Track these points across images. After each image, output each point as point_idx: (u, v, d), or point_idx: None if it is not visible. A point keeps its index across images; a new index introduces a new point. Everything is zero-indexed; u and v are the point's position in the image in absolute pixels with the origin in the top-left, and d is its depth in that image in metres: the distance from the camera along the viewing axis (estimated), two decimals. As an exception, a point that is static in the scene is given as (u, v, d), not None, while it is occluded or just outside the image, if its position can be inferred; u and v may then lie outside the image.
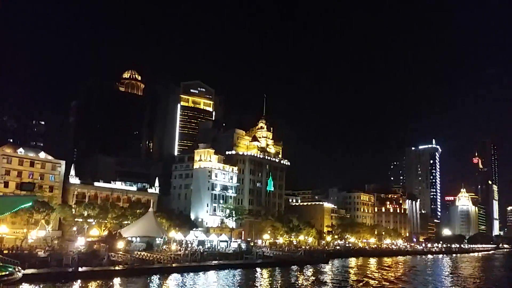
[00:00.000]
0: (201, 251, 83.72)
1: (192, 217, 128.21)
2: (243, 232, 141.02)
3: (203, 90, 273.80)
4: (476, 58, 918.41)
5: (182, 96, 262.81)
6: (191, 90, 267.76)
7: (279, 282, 69.83)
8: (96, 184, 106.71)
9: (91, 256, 64.74)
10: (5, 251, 62.22)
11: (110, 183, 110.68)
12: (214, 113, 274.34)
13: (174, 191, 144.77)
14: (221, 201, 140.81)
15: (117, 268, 64.11)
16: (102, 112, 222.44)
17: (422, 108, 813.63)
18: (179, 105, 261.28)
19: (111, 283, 56.44)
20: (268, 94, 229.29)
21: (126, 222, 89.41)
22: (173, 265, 72.12)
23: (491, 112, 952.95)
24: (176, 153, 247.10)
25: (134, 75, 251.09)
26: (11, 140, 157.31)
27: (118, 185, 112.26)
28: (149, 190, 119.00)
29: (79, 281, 55.07)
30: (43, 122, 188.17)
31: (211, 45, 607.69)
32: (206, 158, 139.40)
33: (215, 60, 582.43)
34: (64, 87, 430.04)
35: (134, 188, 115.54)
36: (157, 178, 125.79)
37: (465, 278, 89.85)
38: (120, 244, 71.43)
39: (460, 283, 78.93)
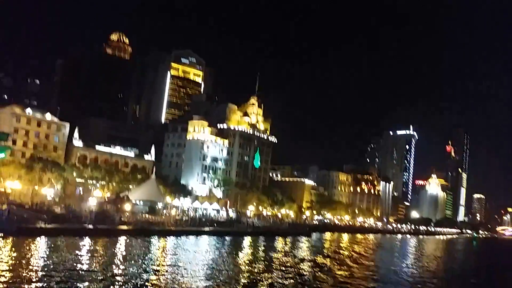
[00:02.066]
0: (199, 217, 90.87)
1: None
2: (228, 202, 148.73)
3: (194, 60, 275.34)
4: (454, 51, 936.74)
5: (172, 64, 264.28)
6: (182, 60, 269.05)
7: (267, 248, 76.48)
8: (97, 147, 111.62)
9: (103, 216, 70.91)
10: (26, 206, 67.83)
11: (110, 147, 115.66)
12: (203, 85, 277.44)
13: (165, 158, 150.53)
14: (211, 172, 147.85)
15: (125, 227, 70.61)
16: (87, 72, 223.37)
17: (402, 96, 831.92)
18: (169, 73, 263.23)
19: (121, 240, 62.78)
20: (258, 71, 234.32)
21: (129, 186, 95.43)
22: (173, 228, 79.01)
23: (467, 104, 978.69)
24: (163, 120, 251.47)
25: (122, 38, 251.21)
26: (6, 97, 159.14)
27: (118, 150, 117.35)
28: (146, 157, 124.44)
29: (95, 237, 61.30)
30: (37, 81, 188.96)
31: (205, 17, 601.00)
32: (199, 130, 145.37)
33: (208, 33, 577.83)
34: (52, 47, 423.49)
35: (132, 154, 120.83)
36: (153, 145, 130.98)
37: (425, 257, 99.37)
38: (127, 206, 77.83)
39: (419, 261, 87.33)
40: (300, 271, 50.65)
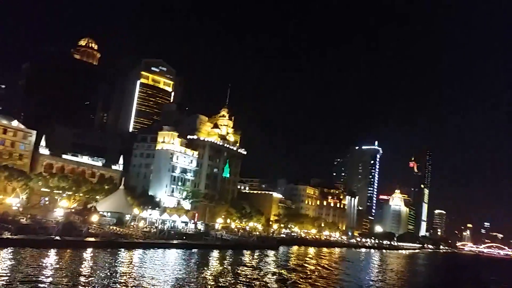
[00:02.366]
0: (168, 230, 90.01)
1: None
2: (196, 214, 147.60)
3: (164, 69, 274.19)
4: (418, 74, 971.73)
5: (142, 73, 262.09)
6: (152, 68, 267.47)
7: (235, 262, 76.46)
8: (64, 156, 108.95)
9: (70, 227, 69.38)
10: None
11: (77, 156, 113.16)
12: (173, 94, 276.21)
13: (133, 169, 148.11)
14: (180, 183, 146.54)
15: (93, 239, 69.33)
16: (54, 77, 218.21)
17: (368, 112, 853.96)
18: (138, 82, 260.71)
19: (88, 253, 61.63)
20: (230, 83, 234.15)
21: (97, 196, 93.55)
22: (142, 240, 78.02)
23: (430, 121, 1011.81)
24: (131, 129, 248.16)
25: (90, 44, 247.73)
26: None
27: (85, 159, 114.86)
28: (114, 167, 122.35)
29: (62, 248, 59.94)
30: (3, 86, 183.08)
31: (177, 27, 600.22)
32: (169, 141, 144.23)
33: (179, 42, 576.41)
34: (19, 50, 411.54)
35: (99, 163, 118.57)
36: (121, 155, 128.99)
37: (389, 271, 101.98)
38: (95, 218, 76.42)
39: (382, 275, 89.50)
40: (266, 285, 50.86)
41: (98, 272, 46.42)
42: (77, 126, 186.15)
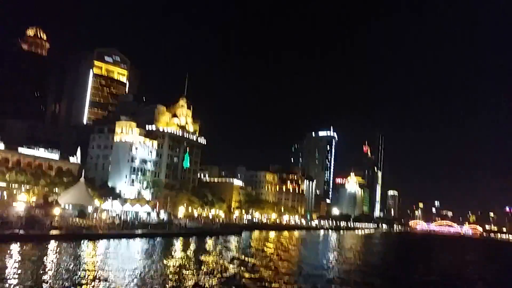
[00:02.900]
0: (131, 220, 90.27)
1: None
2: (158, 204, 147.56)
3: (118, 59, 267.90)
4: (372, 60, 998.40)
5: (95, 62, 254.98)
6: (105, 58, 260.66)
7: (198, 249, 77.93)
8: (20, 150, 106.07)
9: (32, 221, 68.57)
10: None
11: (34, 149, 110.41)
12: (128, 84, 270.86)
13: (91, 160, 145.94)
14: (139, 174, 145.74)
15: (56, 232, 68.92)
16: (0, 69, 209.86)
17: (324, 99, 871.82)
18: (91, 72, 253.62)
19: (52, 246, 61.35)
20: (187, 72, 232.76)
21: (56, 189, 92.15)
22: (105, 232, 78.07)
23: (382, 107, 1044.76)
24: (85, 121, 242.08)
25: (39, 33, 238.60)
26: None
27: (41, 152, 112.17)
28: (71, 159, 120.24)
29: (25, 242, 59.37)
30: None
31: (130, 16, 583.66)
32: (128, 131, 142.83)
33: (134, 32, 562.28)
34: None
35: (56, 156, 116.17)
36: (78, 147, 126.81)
37: (346, 251, 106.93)
38: (57, 211, 75.71)
39: (340, 255, 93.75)
40: (227, 269, 52.49)
41: (63, 264, 46.74)
42: (29, 118, 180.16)
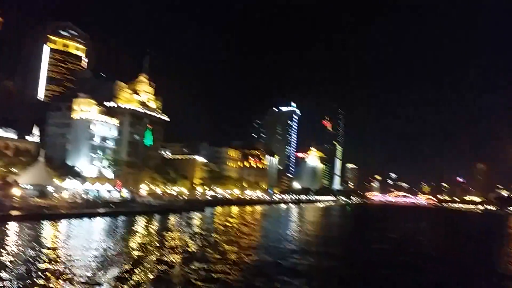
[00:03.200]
0: (94, 199, 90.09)
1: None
2: (119, 182, 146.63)
3: (75, 33, 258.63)
4: (328, 38, 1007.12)
5: (50, 37, 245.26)
6: (62, 32, 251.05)
7: (161, 226, 78.93)
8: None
9: (-10, 202, 67.61)
10: None
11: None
12: (86, 60, 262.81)
13: (49, 139, 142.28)
14: (100, 152, 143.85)
15: (17, 213, 68.36)
16: None
17: (286, 75, 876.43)
18: (46, 47, 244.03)
19: (13, 227, 60.98)
20: (148, 48, 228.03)
21: (13, 169, 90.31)
22: (68, 211, 77.83)
23: (340, 81, 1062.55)
24: (42, 97, 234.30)
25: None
26: None
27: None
28: (29, 138, 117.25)
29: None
30: None
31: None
32: (87, 109, 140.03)
33: (92, 5, 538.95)
34: None
35: (13, 135, 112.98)
36: (36, 126, 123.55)
37: (306, 223, 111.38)
38: (16, 191, 74.75)
39: (301, 227, 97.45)
40: (189, 245, 53.62)
41: (24, 245, 47.00)
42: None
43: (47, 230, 62.41)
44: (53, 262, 38.50)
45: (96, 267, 37.00)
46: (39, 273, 34.14)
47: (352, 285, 37.45)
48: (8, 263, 37.18)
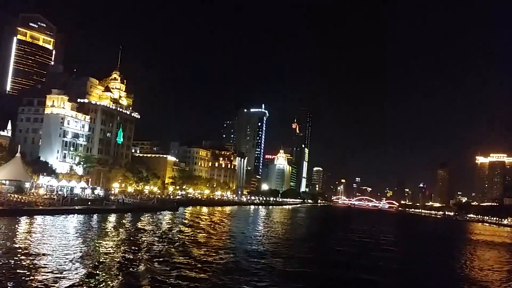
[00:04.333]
0: (70, 196, 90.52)
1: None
2: (90, 179, 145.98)
3: (44, 25, 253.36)
4: (294, 42, 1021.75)
5: (19, 29, 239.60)
6: (30, 24, 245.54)
7: (132, 224, 79.31)
8: None
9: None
10: None
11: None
12: (54, 52, 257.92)
13: (20, 134, 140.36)
14: (72, 149, 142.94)
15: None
16: None
17: (256, 77, 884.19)
18: (15, 38, 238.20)
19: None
20: (121, 44, 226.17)
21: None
22: (45, 208, 78.33)
23: (309, 86, 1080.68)
24: (8, 89, 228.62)
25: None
26: None
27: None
28: (1, 133, 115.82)
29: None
30: None
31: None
32: (59, 105, 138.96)
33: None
34: None
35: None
36: (10, 121, 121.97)
37: (274, 224, 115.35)
38: (-7, 187, 74.81)
39: (268, 227, 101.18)
40: (158, 245, 53.77)
41: (4, 240, 48.04)
42: None
43: (25, 225, 62.76)
44: (25, 258, 39.27)
45: (68, 262, 38.27)
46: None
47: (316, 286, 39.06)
48: None
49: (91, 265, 38.41)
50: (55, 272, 34.53)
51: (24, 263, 37.03)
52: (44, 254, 41.54)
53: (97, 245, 51.07)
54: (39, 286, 30.40)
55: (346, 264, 51.51)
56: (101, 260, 41.23)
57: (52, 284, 30.80)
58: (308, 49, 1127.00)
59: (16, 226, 61.13)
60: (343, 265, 50.88)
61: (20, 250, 42.85)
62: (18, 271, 34.19)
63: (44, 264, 37.20)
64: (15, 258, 38.65)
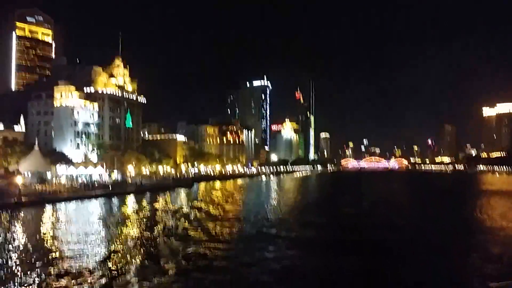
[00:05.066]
0: (91, 182, 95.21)
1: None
2: (104, 165, 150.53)
3: (41, 18, 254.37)
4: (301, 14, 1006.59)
5: (18, 24, 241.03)
6: (28, 18, 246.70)
7: (151, 203, 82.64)
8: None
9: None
10: None
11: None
12: (54, 44, 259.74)
13: (32, 128, 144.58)
14: (84, 137, 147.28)
15: (25, 200, 73.24)
16: None
17: (256, 50, 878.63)
18: (14, 34, 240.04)
19: (27, 213, 65.77)
20: (119, 29, 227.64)
21: (9, 159, 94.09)
22: (69, 195, 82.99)
23: (312, 54, 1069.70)
24: (13, 86, 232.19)
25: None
26: None
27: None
28: (16, 128, 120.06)
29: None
30: None
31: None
32: (67, 96, 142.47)
33: None
34: None
35: (1, 126, 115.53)
36: (22, 115, 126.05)
37: (285, 192, 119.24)
38: (19, 179, 79.27)
39: (281, 196, 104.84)
40: (176, 220, 56.75)
41: (50, 227, 52.48)
42: None
43: (52, 214, 66.88)
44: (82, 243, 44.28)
45: (93, 244, 41.12)
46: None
47: (328, 250, 39.81)
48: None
49: (113, 246, 40.92)
50: (81, 256, 36.11)
51: (53, 248, 39.79)
52: (69, 240, 43.60)
53: (120, 226, 53.53)
54: (67, 268, 32.04)
55: (357, 226, 52.26)
56: (122, 240, 43.45)
57: (77, 267, 32.14)
58: (306, 17, 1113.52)
59: (44, 214, 65.22)
60: (354, 227, 51.53)
61: (50, 237, 46.54)
62: (47, 256, 36.04)
63: (70, 249, 38.97)
64: (45, 245, 41.43)
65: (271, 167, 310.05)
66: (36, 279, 29.40)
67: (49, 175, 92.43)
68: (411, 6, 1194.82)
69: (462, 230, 50.79)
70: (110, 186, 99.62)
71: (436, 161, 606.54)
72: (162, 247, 39.89)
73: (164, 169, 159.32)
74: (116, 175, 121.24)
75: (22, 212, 65.27)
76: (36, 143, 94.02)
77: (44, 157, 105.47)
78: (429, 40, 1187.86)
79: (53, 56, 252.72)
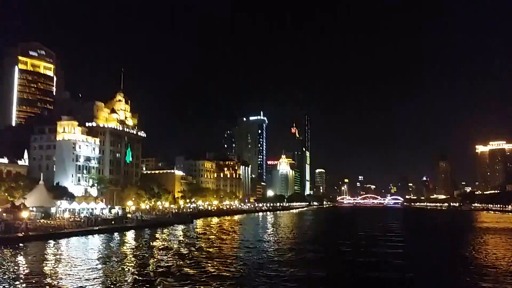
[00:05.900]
0: (94, 217, 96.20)
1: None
2: (104, 200, 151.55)
3: (43, 52, 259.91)
4: (294, 50, 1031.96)
5: (20, 58, 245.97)
6: (30, 52, 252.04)
7: (150, 239, 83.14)
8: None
9: (5, 225, 73.21)
10: None
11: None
12: (55, 78, 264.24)
13: (34, 162, 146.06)
14: (85, 172, 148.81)
15: (32, 233, 74.15)
16: None
17: (254, 86, 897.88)
18: (16, 68, 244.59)
19: (31, 247, 66.58)
20: (121, 66, 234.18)
21: (14, 193, 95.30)
22: (72, 230, 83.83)
23: (306, 88, 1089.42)
24: (14, 120, 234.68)
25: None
26: None
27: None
28: (19, 162, 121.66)
29: (4, 246, 64.30)
30: None
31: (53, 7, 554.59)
32: (70, 130, 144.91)
33: (57, 23, 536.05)
34: None
35: (5, 160, 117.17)
36: (25, 150, 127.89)
37: (282, 228, 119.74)
38: (25, 214, 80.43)
39: (276, 232, 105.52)
40: (174, 259, 56.12)
41: (52, 262, 53.47)
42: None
43: (62, 248, 67.59)
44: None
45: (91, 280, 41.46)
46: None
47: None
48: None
49: (109, 282, 41.11)
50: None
51: (53, 283, 40.28)
52: (68, 275, 44.36)
53: (118, 262, 53.67)
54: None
55: (355, 262, 53.23)
56: (119, 278, 43.66)
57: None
58: (301, 54, 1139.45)
59: (47, 249, 65.33)
60: (352, 263, 52.67)
61: (49, 272, 46.76)
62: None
63: (67, 284, 39.76)
64: (44, 281, 41.44)
65: (267, 203, 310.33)
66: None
67: (53, 209, 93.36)
68: (409, 41, 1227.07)
69: (453, 266, 52.75)
70: (112, 221, 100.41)
71: (432, 198, 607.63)
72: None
73: (163, 204, 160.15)
74: (116, 210, 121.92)
75: (28, 247, 66.13)
76: (41, 178, 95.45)
77: (48, 192, 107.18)
78: (427, 77, 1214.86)
79: (54, 89, 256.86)
